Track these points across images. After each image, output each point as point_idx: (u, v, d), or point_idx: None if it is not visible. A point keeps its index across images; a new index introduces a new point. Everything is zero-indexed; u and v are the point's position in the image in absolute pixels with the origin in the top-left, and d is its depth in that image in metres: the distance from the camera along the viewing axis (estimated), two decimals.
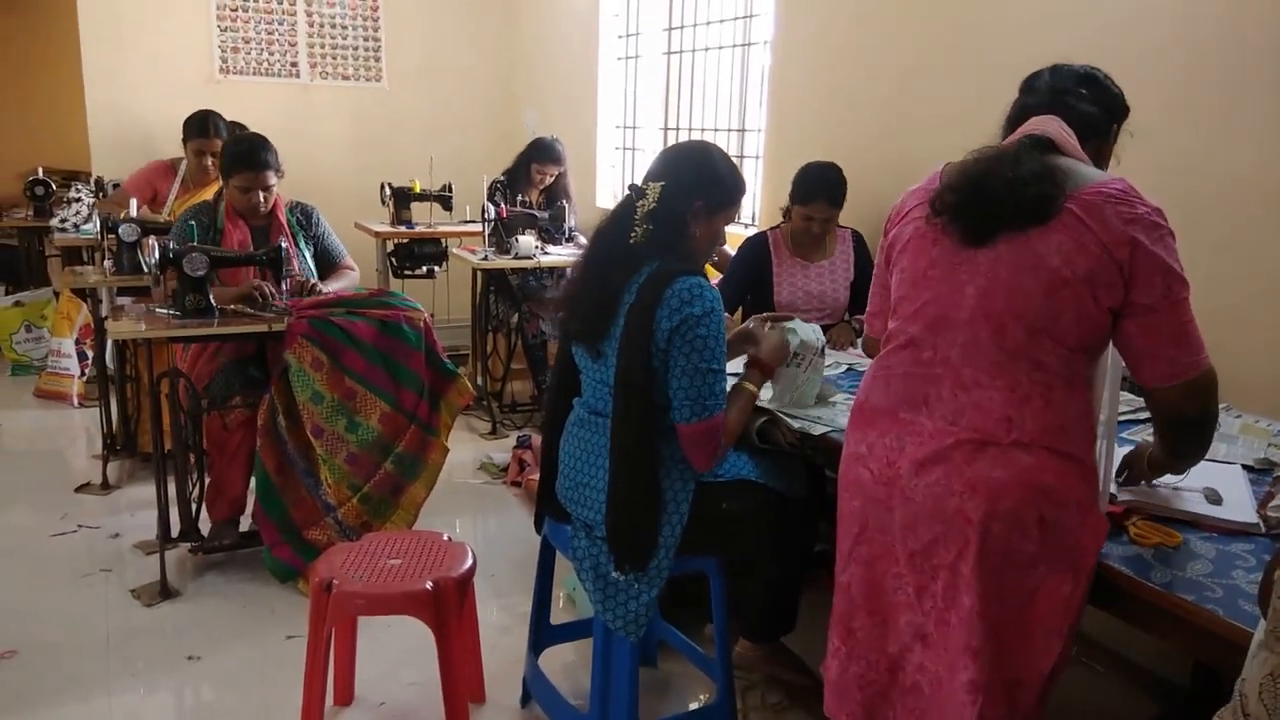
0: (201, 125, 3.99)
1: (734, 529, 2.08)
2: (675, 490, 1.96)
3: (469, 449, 4.19)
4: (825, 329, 3.15)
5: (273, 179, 3.06)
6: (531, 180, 4.72)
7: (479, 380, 4.62)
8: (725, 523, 2.05)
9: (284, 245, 2.90)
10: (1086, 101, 1.61)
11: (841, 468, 1.67)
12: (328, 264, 3.25)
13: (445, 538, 2.21)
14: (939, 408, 1.51)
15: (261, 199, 3.04)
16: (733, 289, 3.17)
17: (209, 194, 3.84)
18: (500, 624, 2.74)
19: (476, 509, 3.67)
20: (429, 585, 1.97)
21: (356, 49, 5.93)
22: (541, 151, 4.68)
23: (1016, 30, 2.86)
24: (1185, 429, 1.54)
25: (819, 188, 3.04)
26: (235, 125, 4.69)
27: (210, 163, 3.97)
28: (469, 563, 2.11)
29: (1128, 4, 2.54)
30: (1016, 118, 1.64)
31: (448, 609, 2.00)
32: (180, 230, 3.05)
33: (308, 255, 3.16)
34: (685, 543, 1.96)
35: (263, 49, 5.73)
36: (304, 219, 3.20)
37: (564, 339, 2.13)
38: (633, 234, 1.96)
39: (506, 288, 4.59)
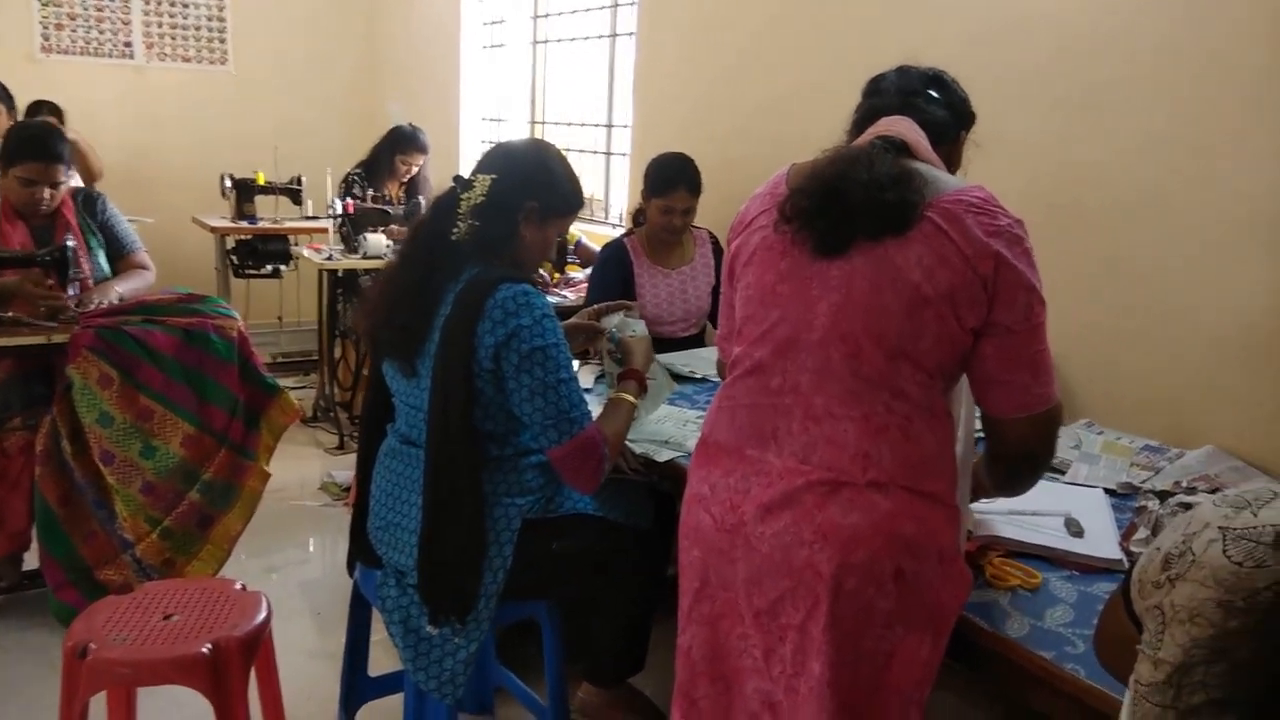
0: None
1: (567, 569, 1.86)
2: (499, 530, 1.73)
3: (314, 465, 3.86)
4: (691, 339, 2.99)
5: (63, 175, 2.66)
6: (395, 172, 4.39)
7: (327, 389, 4.28)
8: (556, 563, 1.82)
9: (71, 244, 2.53)
10: (937, 105, 1.47)
11: (682, 512, 1.47)
12: (117, 255, 2.84)
13: (238, 586, 1.91)
14: (789, 443, 1.32)
15: (47, 196, 2.63)
16: (601, 299, 2.96)
17: None
18: (322, 670, 2.44)
19: (311, 535, 3.34)
20: (205, 649, 1.68)
21: (199, 29, 5.47)
22: (406, 141, 4.35)
23: (896, 26, 2.73)
24: (1023, 465, 1.40)
25: (677, 175, 2.86)
26: (47, 106, 4.20)
27: None
28: (261, 616, 1.81)
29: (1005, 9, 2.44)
30: (864, 120, 1.47)
31: (230, 675, 1.70)
32: None
33: (100, 255, 2.77)
34: (510, 588, 1.74)
35: (91, 26, 5.23)
36: (88, 207, 2.80)
37: (374, 353, 1.87)
38: (455, 229, 1.73)
39: (357, 289, 4.25)
